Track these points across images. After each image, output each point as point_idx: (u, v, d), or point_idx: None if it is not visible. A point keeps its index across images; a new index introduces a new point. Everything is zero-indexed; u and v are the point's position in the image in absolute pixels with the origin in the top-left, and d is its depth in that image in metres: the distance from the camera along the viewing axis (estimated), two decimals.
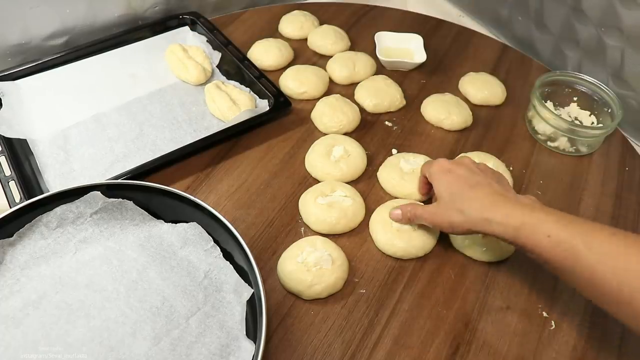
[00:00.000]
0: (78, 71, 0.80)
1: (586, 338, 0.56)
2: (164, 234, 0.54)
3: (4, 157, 0.66)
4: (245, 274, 0.51)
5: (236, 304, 0.49)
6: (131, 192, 0.54)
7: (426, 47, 0.87)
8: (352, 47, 0.91)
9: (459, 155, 0.72)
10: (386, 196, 0.68)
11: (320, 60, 0.88)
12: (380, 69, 0.87)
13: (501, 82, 0.84)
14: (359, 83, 0.83)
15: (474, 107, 0.81)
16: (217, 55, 0.84)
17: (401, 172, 0.68)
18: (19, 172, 0.64)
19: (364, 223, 0.64)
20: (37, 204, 0.51)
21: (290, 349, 0.53)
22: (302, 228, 0.64)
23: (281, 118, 0.77)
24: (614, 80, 0.82)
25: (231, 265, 0.52)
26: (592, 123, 0.78)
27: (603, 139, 0.76)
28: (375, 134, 0.76)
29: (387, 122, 0.78)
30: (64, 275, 0.49)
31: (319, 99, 0.79)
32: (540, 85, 0.77)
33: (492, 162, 0.70)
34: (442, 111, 0.77)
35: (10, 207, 0.53)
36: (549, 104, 0.80)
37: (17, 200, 0.61)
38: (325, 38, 0.89)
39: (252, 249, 0.50)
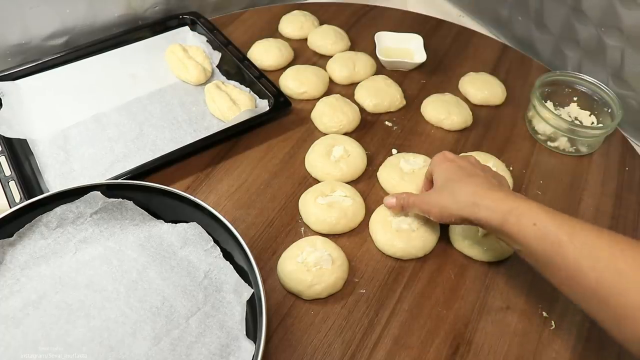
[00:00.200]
0: (78, 71, 0.80)
1: (586, 338, 0.56)
2: (164, 234, 0.54)
3: (4, 157, 0.66)
4: (245, 274, 0.51)
5: (236, 304, 0.49)
6: (131, 192, 0.54)
7: (426, 47, 0.87)
8: (352, 47, 0.91)
9: (461, 155, 0.72)
10: (386, 196, 0.68)
11: (320, 60, 0.88)
12: (380, 69, 0.87)
13: (501, 82, 0.84)
14: (359, 83, 0.83)
15: (474, 107, 0.81)
16: (217, 55, 0.84)
17: (401, 172, 0.68)
18: (19, 172, 0.64)
19: (364, 223, 0.64)
20: (37, 204, 0.51)
21: (290, 349, 0.53)
22: (302, 228, 0.64)
23: (281, 118, 0.77)
24: (614, 80, 0.82)
25: (231, 265, 0.52)
26: (592, 123, 0.78)
27: (603, 139, 0.76)
28: (375, 134, 0.76)
29: (387, 122, 0.78)
30: (64, 275, 0.49)
31: (319, 99, 0.79)
32: (540, 85, 0.77)
33: (492, 162, 0.70)
34: (442, 111, 0.77)
35: (10, 207, 0.53)
36: (549, 104, 0.80)
37: (17, 200, 0.61)
38: (325, 38, 0.89)
39: (252, 249, 0.50)
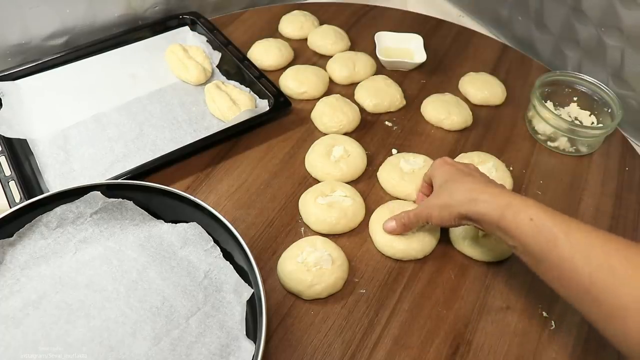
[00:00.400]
0: (78, 71, 0.80)
1: (586, 338, 0.56)
2: (164, 234, 0.54)
3: (4, 157, 0.66)
4: (245, 274, 0.51)
5: (236, 304, 0.49)
6: (131, 192, 0.54)
7: (426, 47, 0.87)
8: (352, 47, 0.91)
9: (459, 156, 0.72)
10: (386, 196, 0.68)
11: (320, 60, 0.88)
12: (380, 69, 0.87)
13: (501, 82, 0.84)
14: (359, 83, 0.83)
15: (474, 107, 0.81)
16: (217, 55, 0.84)
17: (401, 172, 0.68)
18: (19, 172, 0.64)
19: (364, 223, 0.64)
20: (37, 204, 0.51)
21: (290, 349, 0.53)
22: (302, 228, 0.64)
23: (281, 118, 0.77)
24: (614, 80, 0.82)
25: (231, 265, 0.52)
26: (592, 123, 0.78)
27: (603, 139, 0.76)
28: (375, 134, 0.76)
29: (387, 122, 0.78)
30: (64, 275, 0.49)
31: (319, 99, 0.79)
32: (540, 85, 0.77)
33: (492, 162, 0.70)
34: (442, 111, 0.77)
35: (10, 207, 0.53)
36: (549, 104, 0.80)
37: (17, 200, 0.61)
38: (325, 38, 0.89)
39: (252, 249, 0.50)
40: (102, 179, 0.65)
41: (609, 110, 0.76)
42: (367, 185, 0.69)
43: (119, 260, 0.50)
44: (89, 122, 0.73)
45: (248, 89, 0.79)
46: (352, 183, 0.68)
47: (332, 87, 0.83)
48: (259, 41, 0.88)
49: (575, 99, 0.80)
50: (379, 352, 0.54)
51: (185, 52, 0.82)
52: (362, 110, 0.78)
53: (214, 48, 0.85)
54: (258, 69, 0.80)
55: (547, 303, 0.58)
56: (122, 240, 0.52)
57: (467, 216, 0.52)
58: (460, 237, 0.62)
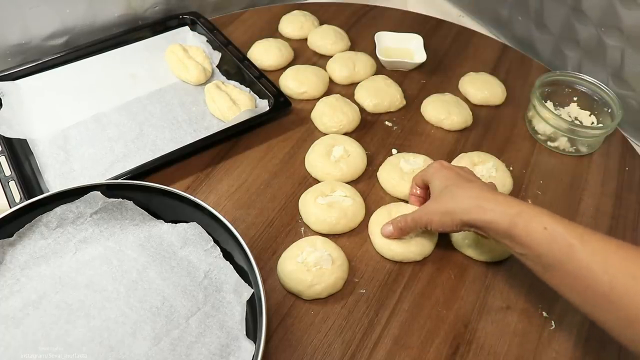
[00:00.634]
0: (78, 71, 0.80)
1: (586, 338, 0.56)
2: (164, 234, 0.54)
3: (4, 157, 0.66)
4: (245, 274, 0.51)
5: (236, 304, 0.49)
6: (131, 192, 0.54)
7: (426, 47, 0.87)
8: (352, 47, 0.91)
9: (459, 156, 0.72)
10: (386, 196, 0.68)
11: (320, 60, 0.88)
12: (380, 69, 0.87)
13: (501, 82, 0.84)
14: (359, 83, 0.83)
15: (474, 107, 0.81)
16: (217, 55, 0.84)
17: (401, 172, 0.68)
18: (19, 172, 0.64)
19: (364, 223, 0.64)
20: (37, 204, 0.51)
21: (290, 349, 0.53)
22: (302, 228, 0.64)
23: (281, 118, 0.77)
24: (614, 80, 0.82)
25: (231, 265, 0.52)
26: (592, 123, 0.78)
27: (603, 139, 0.76)
28: (375, 134, 0.76)
29: (387, 122, 0.78)
30: (64, 275, 0.49)
31: (319, 99, 0.79)
32: (540, 85, 0.77)
33: (492, 162, 0.70)
34: (442, 111, 0.77)
35: (10, 207, 0.53)
36: (549, 104, 0.80)
37: (17, 200, 0.61)
38: (325, 38, 0.89)
39: (252, 249, 0.50)
40: (102, 179, 0.65)
41: (609, 110, 0.76)
42: (367, 185, 0.69)
43: (119, 260, 0.50)
44: (89, 122, 0.73)
45: (248, 89, 0.79)
46: (352, 183, 0.68)
47: (332, 87, 0.83)
48: (259, 41, 0.88)
49: (575, 99, 0.80)
50: (379, 352, 0.54)
51: (185, 52, 0.82)
52: (362, 110, 0.78)
53: (214, 48, 0.85)
54: (258, 69, 0.80)
55: (547, 303, 0.58)
56: (122, 240, 0.52)
57: (471, 224, 0.52)
58: (460, 238, 0.62)
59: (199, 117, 0.75)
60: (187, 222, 0.54)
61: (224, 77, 0.82)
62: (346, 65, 0.84)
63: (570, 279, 0.45)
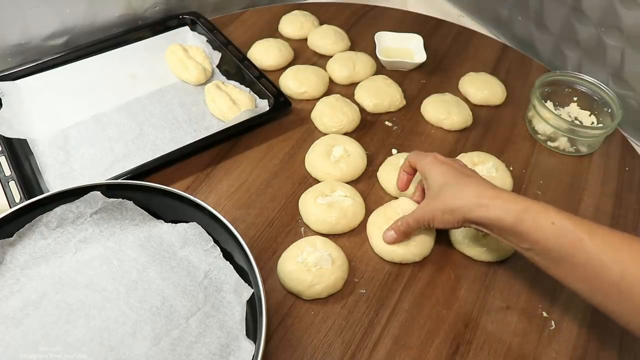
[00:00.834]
0: (78, 71, 0.80)
1: (586, 338, 0.56)
2: (164, 234, 0.54)
3: (4, 157, 0.66)
4: (245, 274, 0.51)
5: (236, 304, 0.49)
6: (131, 192, 0.54)
7: (426, 47, 0.87)
8: (352, 47, 0.91)
9: (459, 156, 0.72)
10: (386, 196, 0.68)
11: (320, 60, 0.88)
12: (380, 69, 0.87)
13: (501, 82, 0.84)
14: (359, 83, 0.83)
15: (474, 107, 0.81)
16: (217, 55, 0.84)
17: None
18: (19, 172, 0.64)
19: (364, 223, 0.64)
20: (37, 204, 0.51)
21: (290, 349, 0.53)
22: (302, 228, 0.64)
23: (281, 118, 0.77)
24: (614, 80, 0.82)
25: (231, 265, 0.52)
26: (592, 123, 0.78)
27: (603, 139, 0.76)
28: (375, 134, 0.76)
29: (387, 122, 0.78)
30: (64, 275, 0.49)
31: (319, 99, 0.79)
32: (540, 85, 0.77)
33: (492, 162, 0.70)
34: (442, 111, 0.77)
35: (10, 207, 0.53)
36: (549, 104, 0.80)
37: (17, 200, 0.61)
38: (325, 38, 0.89)
39: (252, 249, 0.50)
40: (102, 179, 0.65)
41: (609, 110, 0.76)
42: (367, 185, 0.69)
43: (119, 260, 0.50)
44: (89, 122, 0.73)
45: (248, 89, 0.79)
46: (352, 183, 0.68)
47: (332, 87, 0.83)
48: (259, 41, 0.88)
49: (575, 99, 0.80)
50: (379, 352, 0.54)
51: (185, 52, 0.82)
52: (362, 110, 0.78)
53: (214, 48, 0.85)
54: (258, 69, 0.80)
55: (547, 303, 0.58)
56: (122, 240, 0.52)
57: (475, 221, 0.52)
58: (460, 237, 0.62)
59: (199, 117, 0.75)
60: (187, 222, 0.54)
61: (224, 77, 0.82)
62: (346, 65, 0.84)
63: (579, 271, 0.46)
